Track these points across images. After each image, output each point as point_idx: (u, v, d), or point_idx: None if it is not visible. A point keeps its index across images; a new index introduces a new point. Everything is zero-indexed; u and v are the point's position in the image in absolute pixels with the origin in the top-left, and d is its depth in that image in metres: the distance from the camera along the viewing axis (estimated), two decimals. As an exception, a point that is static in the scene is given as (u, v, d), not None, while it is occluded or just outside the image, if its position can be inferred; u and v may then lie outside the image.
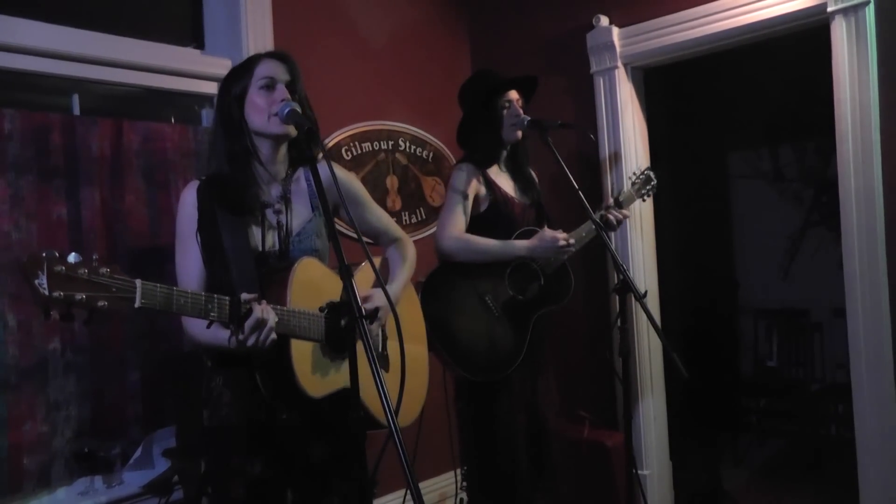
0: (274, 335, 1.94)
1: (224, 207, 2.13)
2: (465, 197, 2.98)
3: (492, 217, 3.04)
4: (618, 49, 4.04)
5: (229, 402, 2.17)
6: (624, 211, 3.24)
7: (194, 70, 3.40)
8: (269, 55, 2.26)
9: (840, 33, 3.31)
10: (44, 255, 1.51)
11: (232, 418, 2.16)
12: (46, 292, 1.49)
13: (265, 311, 1.92)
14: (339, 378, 2.16)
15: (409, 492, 1.54)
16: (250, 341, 1.91)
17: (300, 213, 2.28)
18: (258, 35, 3.58)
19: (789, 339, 5.88)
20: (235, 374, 2.15)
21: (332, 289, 2.17)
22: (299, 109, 2.06)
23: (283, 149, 2.27)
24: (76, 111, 3.21)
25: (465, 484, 3.15)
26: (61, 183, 2.99)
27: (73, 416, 2.96)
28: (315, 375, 2.09)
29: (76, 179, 3.03)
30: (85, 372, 2.99)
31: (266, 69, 2.20)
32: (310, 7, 3.89)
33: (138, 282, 1.66)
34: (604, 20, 4.07)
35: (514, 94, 3.11)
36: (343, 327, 1.83)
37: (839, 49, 3.32)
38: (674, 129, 5.17)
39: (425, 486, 3.99)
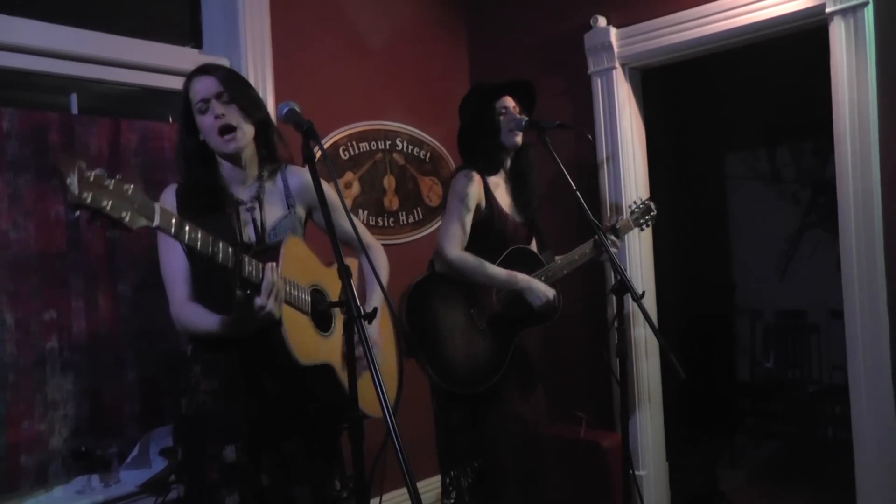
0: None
1: (197, 210, 2.17)
2: (469, 209, 2.95)
3: (484, 230, 3.00)
4: (615, 49, 4.05)
5: (206, 390, 2.21)
6: (616, 241, 3.22)
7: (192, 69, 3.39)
8: (197, 72, 2.27)
9: (839, 34, 3.31)
10: (76, 161, 1.59)
11: (208, 406, 2.20)
12: (76, 192, 1.57)
13: (276, 274, 1.99)
14: (321, 352, 2.21)
15: (406, 491, 1.54)
16: (269, 305, 1.96)
17: (274, 211, 2.33)
18: (256, 34, 3.58)
19: (786, 340, 5.89)
20: (215, 360, 2.21)
21: (316, 270, 2.28)
22: (297, 108, 2.05)
23: (247, 154, 2.30)
24: (74, 110, 3.21)
25: (453, 494, 3.08)
26: (59, 182, 2.98)
27: (70, 415, 2.96)
28: (303, 343, 2.13)
29: (74, 178, 3.02)
30: (82, 371, 2.99)
31: (197, 92, 2.23)
32: (307, 7, 3.89)
33: (157, 205, 1.75)
34: (601, 21, 4.08)
35: (510, 101, 3.07)
36: (344, 325, 1.87)
37: (838, 50, 3.32)
38: (671, 130, 5.17)
39: (423, 485, 3.99)
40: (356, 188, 4.08)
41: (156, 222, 1.73)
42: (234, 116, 2.21)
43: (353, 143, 4.09)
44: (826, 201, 5.67)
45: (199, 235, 1.86)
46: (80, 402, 2.99)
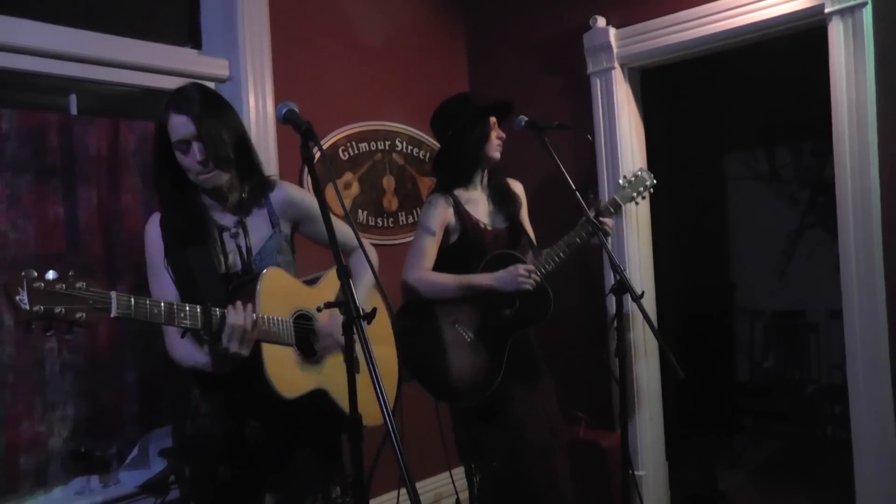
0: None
1: (181, 242, 2.18)
2: (433, 234, 3.00)
3: (462, 247, 3.04)
4: (614, 50, 4.05)
5: (206, 413, 2.24)
6: (608, 221, 3.09)
7: (191, 70, 3.39)
8: (171, 106, 2.19)
9: (837, 34, 3.32)
10: (23, 274, 1.61)
11: (208, 427, 2.23)
12: (27, 307, 1.59)
13: (240, 316, 2.01)
14: (311, 379, 2.22)
15: (406, 492, 1.54)
16: (233, 347, 1.99)
17: (259, 233, 2.31)
18: (255, 35, 3.58)
19: (785, 340, 5.89)
20: (211, 386, 2.22)
21: (299, 295, 2.27)
22: (296, 109, 2.05)
23: (226, 181, 2.25)
24: (73, 111, 3.21)
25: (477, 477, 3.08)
26: (58, 182, 2.99)
27: (69, 416, 2.97)
28: (287, 377, 2.14)
29: (73, 179, 3.03)
30: (81, 372, 2.99)
31: (175, 132, 2.17)
32: (307, 7, 3.89)
33: (113, 294, 1.78)
34: (601, 21, 4.08)
35: (493, 119, 3.11)
36: (343, 326, 1.86)
37: (836, 50, 3.32)
38: (670, 130, 5.17)
39: (421, 486, 3.99)
40: (355, 188, 4.08)
41: (113, 313, 1.77)
42: (213, 156, 2.17)
43: (353, 143, 4.09)
44: (825, 201, 5.67)
45: (162, 308, 1.90)
46: (80, 402, 3.00)
